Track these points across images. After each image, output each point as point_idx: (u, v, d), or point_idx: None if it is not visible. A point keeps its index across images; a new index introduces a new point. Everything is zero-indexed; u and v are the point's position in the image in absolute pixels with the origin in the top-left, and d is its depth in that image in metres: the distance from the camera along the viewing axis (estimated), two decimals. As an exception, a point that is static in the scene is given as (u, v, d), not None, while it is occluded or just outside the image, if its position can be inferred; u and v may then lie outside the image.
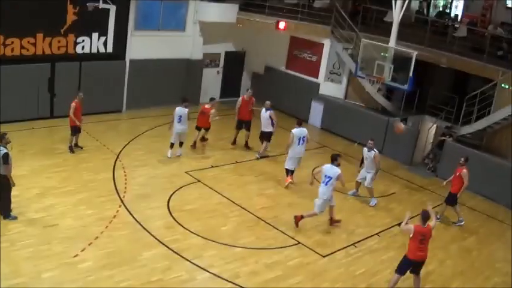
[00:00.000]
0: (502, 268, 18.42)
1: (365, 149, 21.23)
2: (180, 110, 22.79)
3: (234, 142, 25.62)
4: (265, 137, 24.63)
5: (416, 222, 15.33)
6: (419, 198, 21.41)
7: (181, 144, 23.28)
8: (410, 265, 15.45)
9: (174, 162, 22.54)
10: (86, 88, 25.23)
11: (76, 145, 22.37)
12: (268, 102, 24.31)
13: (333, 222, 19.26)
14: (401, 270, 15.52)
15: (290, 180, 21.99)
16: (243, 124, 25.28)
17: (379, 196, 22.29)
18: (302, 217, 18.60)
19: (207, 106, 24.42)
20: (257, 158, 24.50)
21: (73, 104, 21.68)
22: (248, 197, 20.61)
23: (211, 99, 24.94)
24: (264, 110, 24.28)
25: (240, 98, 25.47)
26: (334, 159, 18.57)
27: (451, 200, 20.64)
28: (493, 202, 23.59)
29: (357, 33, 28.33)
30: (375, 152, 21.05)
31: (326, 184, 18.36)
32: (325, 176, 18.36)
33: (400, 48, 25.59)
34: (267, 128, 24.45)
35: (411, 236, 15.10)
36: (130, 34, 27.19)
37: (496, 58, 25.73)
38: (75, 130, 22.06)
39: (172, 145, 23.03)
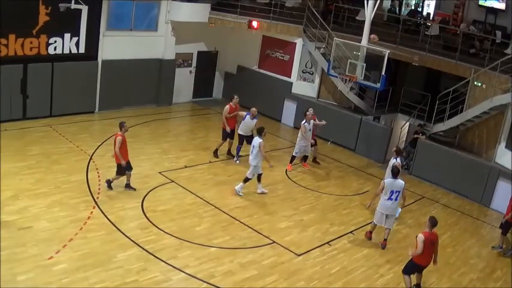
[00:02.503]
0: (477, 264, 18.59)
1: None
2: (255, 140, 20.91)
3: (216, 153, 24.38)
4: (247, 140, 23.77)
5: (425, 229, 15.47)
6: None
7: (259, 178, 21.33)
8: (416, 268, 15.87)
9: (147, 163, 22.41)
10: (58, 89, 25.29)
11: (128, 185, 19.90)
12: (254, 110, 23.68)
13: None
14: (408, 271, 15.96)
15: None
16: (231, 133, 24.15)
17: (353, 194, 22.47)
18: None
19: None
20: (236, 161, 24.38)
21: (119, 138, 18.85)
22: (222, 197, 20.57)
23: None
24: (248, 117, 23.62)
25: (228, 106, 23.97)
26: (397, 173, 18.28)
27: (505, 229, 19.69)
28: (467, 199, 23.85)
29: (329, 32, 28.42)
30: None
31: (396, 199, 18.21)
32: (393, 191, 18.07)
33: (373, 47, 25.68)
34: (248, 133, 23.78)
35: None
36: (103, 34, 26.98)
37: (468, 56, 25.96)
38: (125, 169, 19.52)
39: (247, 180, 21.10)
